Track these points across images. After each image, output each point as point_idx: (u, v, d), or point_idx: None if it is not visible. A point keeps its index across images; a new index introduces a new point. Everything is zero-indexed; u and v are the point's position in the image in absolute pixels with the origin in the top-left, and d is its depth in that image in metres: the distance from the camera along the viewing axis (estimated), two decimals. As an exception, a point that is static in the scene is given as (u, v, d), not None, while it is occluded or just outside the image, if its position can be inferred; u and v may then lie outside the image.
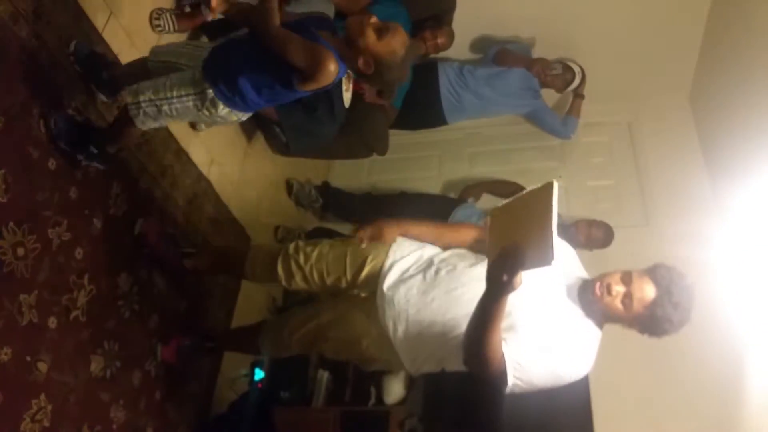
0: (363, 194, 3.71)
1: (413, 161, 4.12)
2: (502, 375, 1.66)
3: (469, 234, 2.02)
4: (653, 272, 1.75)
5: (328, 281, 2.05)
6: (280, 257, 2.10)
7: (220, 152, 2.90)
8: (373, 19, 1.73)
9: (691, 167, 3.66)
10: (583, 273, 1.92)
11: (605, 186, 3.84)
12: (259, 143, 3.24)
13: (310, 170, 3.75)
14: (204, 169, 2.76)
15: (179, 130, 2.58)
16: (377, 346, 1.96)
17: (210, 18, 2.47)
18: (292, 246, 2.13)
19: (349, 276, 2.01)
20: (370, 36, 1.72)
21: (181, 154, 2.60)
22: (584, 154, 3.94)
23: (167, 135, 2.50)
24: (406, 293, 1.89)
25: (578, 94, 3.75)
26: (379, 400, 3.03)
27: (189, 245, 2.52)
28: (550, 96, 3.79)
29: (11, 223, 1.75)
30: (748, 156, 3.07)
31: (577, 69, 3.65)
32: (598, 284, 1.77)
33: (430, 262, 1.95)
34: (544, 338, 1.72)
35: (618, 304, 1.74)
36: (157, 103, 1.80)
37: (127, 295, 2.21)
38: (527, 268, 1.38)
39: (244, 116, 1.92)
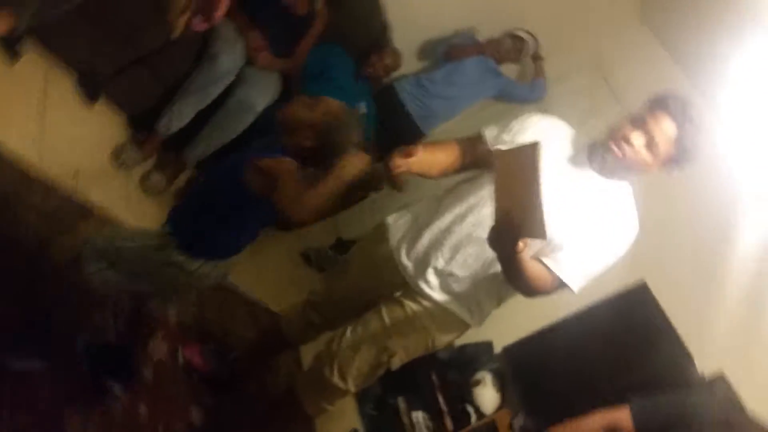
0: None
1: (410, 182, 4.09)
2: (561, 287, 1.66)
3: (481, 149, 1.84)
4: (663, 105, 1.62)
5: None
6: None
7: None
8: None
9: (666, 77, 3.62)
10: (576, 138, 1.80)
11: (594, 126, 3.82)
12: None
13: (319, 235, 3.71)
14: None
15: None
16: (436, 321, 1.87)
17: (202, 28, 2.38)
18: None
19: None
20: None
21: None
22: (565, 105, 3.89)
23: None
24: (433, 259, 1.81)
25: (536, 57, 3.79)
26: (480, 413, 3.00)
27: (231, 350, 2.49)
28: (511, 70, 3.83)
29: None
30: (714, 45, 3.08)
31: (524, 35, 3.67)
32: (612, 143, 1.63)
33: (446, 230, 1.82)
34: (585, 233, 1.65)
35: (644, 154, 1.62)
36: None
37: (204, 427, 2.17)
38: (523, 237, 1.39)
39: None
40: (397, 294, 1.90)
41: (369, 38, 3.36)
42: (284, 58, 2.81)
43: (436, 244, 1.81)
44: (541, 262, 1.64)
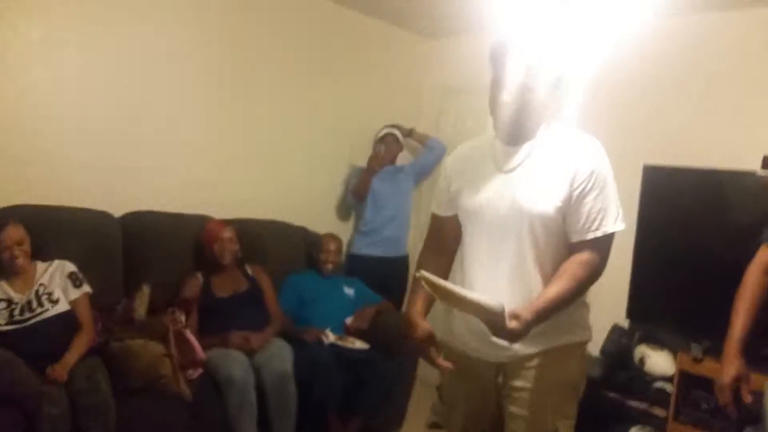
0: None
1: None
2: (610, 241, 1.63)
3: (438, 261, 1.86)
4: (495, 57, 1.67)
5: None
6: None
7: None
8: None
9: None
10: (487, 140, 1.80)
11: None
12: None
13: (425, 404, 3.68)
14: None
15: None
16: (557, 367, 1.74)
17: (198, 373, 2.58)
18: None
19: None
20: None
21: None
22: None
23: None
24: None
25: (408, 134, 4.14)
26: (667, 378, 2.91)
27: None
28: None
29: None
30: None
31: (385, 131, 4.03)
32: (496, 116, 1.69)
33: None
34: (574, 185, 1.61)
35: (533, 95, 1.64)
36: None
37: None
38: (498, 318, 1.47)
39: None
40: (506, 381, 1.76)
41: (306, 248, 3.61)
42: (267, 324, 3.02)
43: None
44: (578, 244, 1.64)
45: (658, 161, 3.15)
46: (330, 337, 3.12)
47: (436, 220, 1.90)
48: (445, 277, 1.81)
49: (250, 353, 2.80)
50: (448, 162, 1.89)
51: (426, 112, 4.35)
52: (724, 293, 2.71)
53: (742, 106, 3.03)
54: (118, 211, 3.00)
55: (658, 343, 3.05)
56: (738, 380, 1.86)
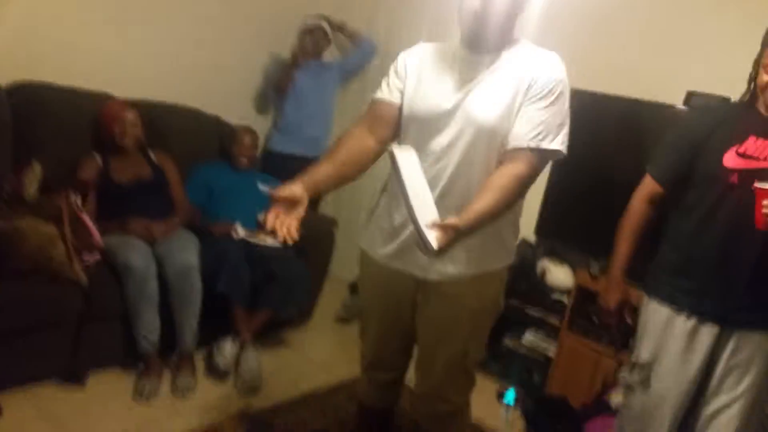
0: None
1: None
2: (547, 159, 1.62)
3: (364, 136, 1.75)
4: None
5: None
6: None
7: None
8: None
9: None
10: (443, 45, 1.75)
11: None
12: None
13: (335, 296, 3.75)
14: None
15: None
16: (479, 291, 1.76)
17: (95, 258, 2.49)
18: None
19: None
20: None
21: None
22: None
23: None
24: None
25: (338, 28, 3.90)
26: (566, 291, 3.06)
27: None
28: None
29: None
30: None
31: (312, 22, 3.78)
32: (463, 22, 1.62)
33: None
34: (524, 97, 1.58)
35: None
36: None
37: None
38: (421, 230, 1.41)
39: None
40: (425, 300, 1.76)
41: (219, 139, 3.43)
42: (171, 214, 2.89)
43: None
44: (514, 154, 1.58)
45: (586, 86, 3.15)
46: (240, 232, 3.03)
47: (375, 104, 1.76)
48: (364, 161, 1.74)
49: (151, 242, 2.68)
50: (407, 58, 1.75)
51: (359, 7, 4.07)
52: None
53: (675, 39, 3.04)
54: (4, 81, 2.69)
55: (560, 258, 3.18)
56: (621, 303, 2.00)
